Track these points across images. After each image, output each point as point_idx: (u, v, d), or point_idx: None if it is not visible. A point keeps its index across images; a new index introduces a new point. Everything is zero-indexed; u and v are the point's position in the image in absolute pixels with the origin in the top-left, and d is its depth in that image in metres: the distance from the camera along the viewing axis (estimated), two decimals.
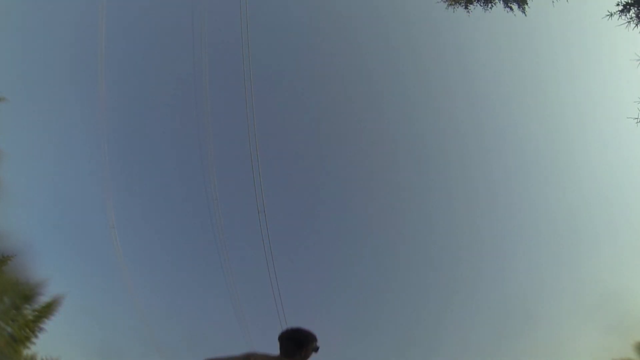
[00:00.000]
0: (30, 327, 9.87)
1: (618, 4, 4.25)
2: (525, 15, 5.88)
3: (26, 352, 9.85)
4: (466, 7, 6.06)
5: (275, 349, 2.07)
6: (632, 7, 4.12)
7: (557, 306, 19.11)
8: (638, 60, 3.87)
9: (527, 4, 5.80)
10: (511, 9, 5.91)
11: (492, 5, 5.99)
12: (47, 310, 10.25)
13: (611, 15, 4.28)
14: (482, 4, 6.03)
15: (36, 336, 10.07)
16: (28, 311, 10.01)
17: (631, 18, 4.15)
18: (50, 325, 10.59)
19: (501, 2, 5.92)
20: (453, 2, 6.10)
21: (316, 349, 2.37)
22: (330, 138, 25.09)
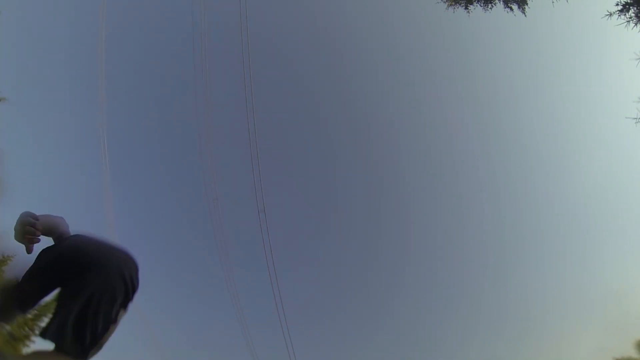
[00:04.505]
0: (30, 326, 9.85)
1: (617, 4, 4.27)
2: (525, 15, 5.89)
3: (25, 350, 9.84)
4: (466, 7, 6.07)
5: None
6: (631, 7, 4.14)
7: (558, 305, 19.11)
8: (637, 59, 3.89)
9: (527, 4, 5.82)
10: (511, 9, 5.93)
11: (492, 6, 6.00)
12: (47, 309, 10.23)
13: (610, 15, 4.30)
14: (482, 4, 6.05)
15: (35, 335, 10.05)
16: None
17: (630, 17, 4.17)
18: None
19: (501, 2, 5.93)
20: (453, 2, 6.12)
21: None
22: (330, 138, 25.04)
